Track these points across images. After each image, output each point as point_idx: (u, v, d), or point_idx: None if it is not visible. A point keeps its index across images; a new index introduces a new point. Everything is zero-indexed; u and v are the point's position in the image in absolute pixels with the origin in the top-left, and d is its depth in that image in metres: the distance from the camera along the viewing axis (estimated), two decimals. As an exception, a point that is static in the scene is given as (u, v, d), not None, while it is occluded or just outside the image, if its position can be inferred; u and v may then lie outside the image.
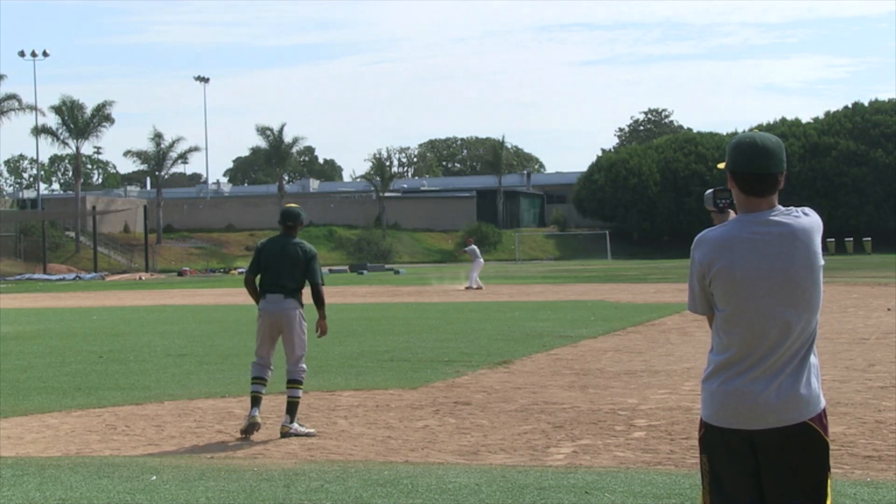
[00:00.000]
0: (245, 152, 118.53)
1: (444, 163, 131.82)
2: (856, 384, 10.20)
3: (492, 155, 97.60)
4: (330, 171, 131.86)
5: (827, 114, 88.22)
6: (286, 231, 8.65)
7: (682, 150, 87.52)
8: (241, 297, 32.89)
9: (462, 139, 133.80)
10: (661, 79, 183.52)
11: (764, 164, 3.35)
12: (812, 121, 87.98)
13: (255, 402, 8.41)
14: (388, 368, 12.48)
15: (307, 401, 9.78)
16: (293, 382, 8.47)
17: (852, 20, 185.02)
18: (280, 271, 8.45)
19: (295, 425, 8.33)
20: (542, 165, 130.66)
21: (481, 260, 34.86)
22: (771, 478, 3.31)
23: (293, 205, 8.90)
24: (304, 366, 8.60)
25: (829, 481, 3.34)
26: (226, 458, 7.51)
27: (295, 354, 8.52)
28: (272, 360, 8.68)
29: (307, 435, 8.27)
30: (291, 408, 8.36)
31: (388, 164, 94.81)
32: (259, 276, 8.64)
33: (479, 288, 33.13)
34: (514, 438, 7.96)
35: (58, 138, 75.24)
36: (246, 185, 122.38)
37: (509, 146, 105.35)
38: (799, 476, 3.30)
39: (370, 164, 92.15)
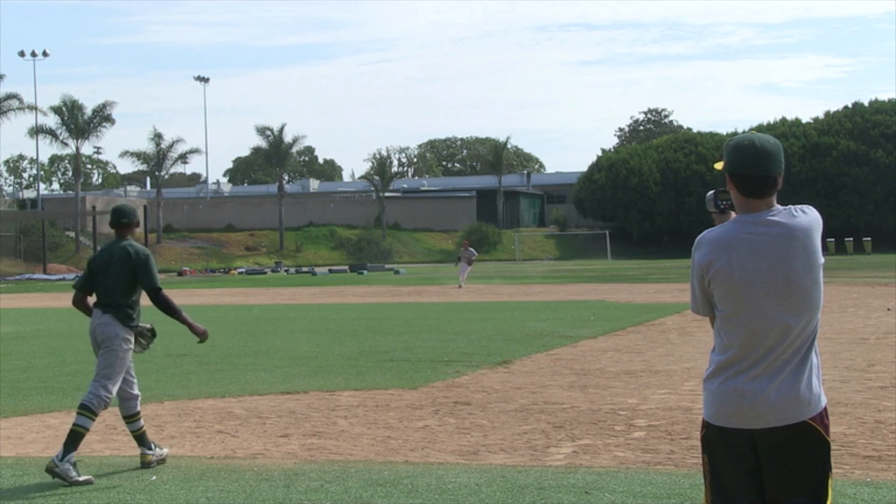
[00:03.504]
0: (245, 152, 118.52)
1: (444, 163, 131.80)
2: (856, 384, 10.20)
3: (493, 155, 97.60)
4: (330, 171, 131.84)
5: (827, 114, 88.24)
6: (118, 233, 7.26)
7: (682, 150, 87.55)
8: (240, 296, 32.91)
9: (462, 139, 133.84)
10: (660, 79, 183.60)
11: (763, 167, 3.34)
12: (812, 121, 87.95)
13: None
14: (388, 368, 12.48)
15: (307, 401, 9.78)
16: (82, 408, 6.82)
17: (851, 20, 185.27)
18: (105, 283, 7.12)
19: (65, 465, 6.55)
20: (542, 165, 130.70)
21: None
22: (772, 477, 3.31)
23: (123, 202, 7.47)
24: (106, 392, 6.90)
25: (829, 481, 3.33)
26: (226, 458, 7.50)
27: (98, 373, 7.00)
28: (125, 389, 7.21)
29: (81, 483, 6.54)
30: (70, 439, 6.67)
31: (388, 164, 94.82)
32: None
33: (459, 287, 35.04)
34: (514, 438, 7.96)
35: (57, 138, 75.20)
36: (246, 185, 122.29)
37: (510, 146, 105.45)
38: (800, 475, 3.29)
39: (370, 164, 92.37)
